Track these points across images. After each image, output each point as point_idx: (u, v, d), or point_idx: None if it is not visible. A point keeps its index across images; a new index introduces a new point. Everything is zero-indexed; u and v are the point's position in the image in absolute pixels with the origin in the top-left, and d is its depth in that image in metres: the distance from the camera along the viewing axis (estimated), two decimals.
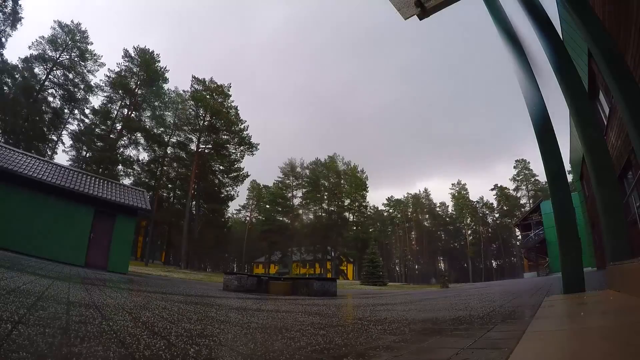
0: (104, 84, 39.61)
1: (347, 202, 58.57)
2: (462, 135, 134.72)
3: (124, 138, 40.73)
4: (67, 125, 38.14)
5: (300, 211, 57.71)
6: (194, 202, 44.01)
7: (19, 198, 11.01)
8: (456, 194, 72.09)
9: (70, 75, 37.39)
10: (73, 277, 7.52)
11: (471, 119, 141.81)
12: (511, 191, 66.37)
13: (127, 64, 41.11)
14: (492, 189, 69.36)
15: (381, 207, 75.88)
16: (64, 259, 11.29)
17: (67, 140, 38.04)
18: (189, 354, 1.57)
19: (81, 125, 38.76)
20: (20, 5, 30.13)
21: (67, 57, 36.93)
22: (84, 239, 12.24)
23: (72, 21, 37.33)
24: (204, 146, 44.10)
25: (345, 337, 2.39)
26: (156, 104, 42.25)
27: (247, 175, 47.75)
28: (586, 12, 4.43)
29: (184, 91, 44.19)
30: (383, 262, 41.21)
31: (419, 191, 77.99)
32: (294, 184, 57.98)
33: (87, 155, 37.91)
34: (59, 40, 36.30)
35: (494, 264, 72.45)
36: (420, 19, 6.69)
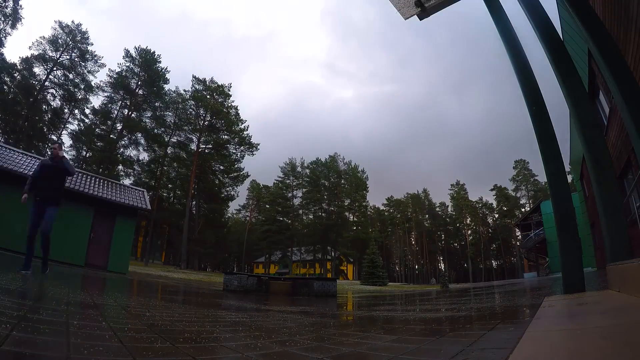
0: (104, 84, 39.68)
1: (347, 202, 58.53)
2: (462, 134, 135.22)
3: (124, 138, 40.75)
4: (67, 125, 38.17)
5: (300, 211, 57.68)
6: (194, 202, 44.00)
7: (19, 198, 10.98)
8: (455, 195, 72.07)
9: (71, 76, 37.42)
10: (73, 277, 7.53)
11: (471, 119, 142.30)
12: (511, 191, 66.33)
13: (128, 64, 41.16)
14: (491, 189, 69.39)
15: (381, 207, 75.98)
16: (63, 259, 11.28)
17: (67, 140, 38.09)
18: (190, 354, 1.57)
19: (81, 125, 38.81)
20: (20, 6, 30.15)
21: (68, 57, 36.93)
22: (84, 239, 12.23)
23: (72, 21, 37.40)
24: (204, 146, 44.12)
25: (345, 338, 2.39)
26: (157, 104, 42.27)
27: (247, 175, 47.82)
28: (586, 12, 4.42)
29: (184, 91, 44.27)
30: (383, 262, 41.20)
31: (419, 191, 78.03)
32: (294, 184, 57.96)
33: (87, 155, 37.90)
34: (59, 40, 36.31)
35: (494, 264, 72.41)
36: (421, 19, 6.69)
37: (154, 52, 42.61)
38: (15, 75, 33.30)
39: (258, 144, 45.91)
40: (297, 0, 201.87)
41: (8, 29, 29.97)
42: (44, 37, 35.48)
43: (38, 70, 35.16)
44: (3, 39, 29.96)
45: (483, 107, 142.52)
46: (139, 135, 41.24)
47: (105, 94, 39.87)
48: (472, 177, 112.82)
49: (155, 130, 42.12)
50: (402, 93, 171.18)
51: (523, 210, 57.98)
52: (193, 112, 44.01)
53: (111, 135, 39.14)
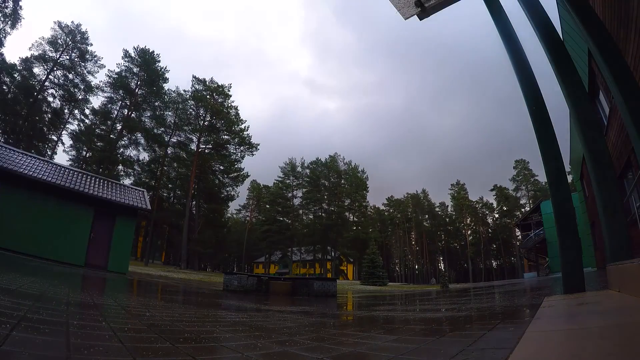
0: (104, 85, 39.64)
1: (347, 202, 58.52)
2: (462, 134, 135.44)
3: (124, 138, 40.70)
4: (67, 125, 38.11)
5: (300, 211, 57.67)
6: (194, 202, 43.97)
7: (19, 198, 11.00)
8: (455, 195, 72.06)
9: (71, 76, 37.36)
10: (73, 277, 7.52)
11: (471, 119, 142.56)
12: (511, 191, 66.28)
13: (127, 64, 41.11)
14: (491, 190, 69.33)
15: (381, 207, 75.96)
16: (64, 259, 11.28)
17: (67, 140, 38.03)
18: (190, 354, 1.57)
19: (81, 125, 38.76)
20: (20, 6, 30.12)
21: (68, 57, 36.92)
22: (84, 239, 12.22)
23: (72, 22, 37.38)
24: (204, 146, 44.07)
25: (345, 338, 2.39)
26: (156, 104, 42.24)
27: (247, 175, 47.69)
28: (586, 12, 4.42)
29: (184, 91, 44.21)
30: (383, 262, 41.17)
31: (419, 191, 78.01)
32: (294, 184, 57.93)
33: (87, 155, 37.88)
34: (59, 41, 36.29)
35: (494, 264, 72.40)
36: (421, 19, 6.70)
37: (152, 51, 42.56)
38: (15, 75, 33.29)
39: (258, 144, 45.88)
40: (279, 23, 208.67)
41: (8, 29, 29.97)
42: (43, 38, 35.45)
43: (38, 70, 35.15)
44: (3, 38, 29.94)
45: (482, 107, 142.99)
46: (139, 135, 41.22)
47: (105, 94, 39.90)
48: (472, 177, 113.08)
49: (155, 130, 42.08)
50: (398, 98, 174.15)
51: (523, 210, 57.97)
52: (193, 112, 44.00)
53: (111, 135, 39.10)
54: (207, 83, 44.79)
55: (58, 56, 36.06)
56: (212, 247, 45.41)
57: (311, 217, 57.25)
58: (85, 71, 38.24)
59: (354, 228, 58.20)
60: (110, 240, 12.92)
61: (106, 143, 37.71)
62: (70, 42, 36.89)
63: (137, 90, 41.08)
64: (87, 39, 38.11)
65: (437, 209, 76.55)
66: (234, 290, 9.76)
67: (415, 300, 8.58)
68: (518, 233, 51.56)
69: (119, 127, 39.90)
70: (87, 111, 39.30)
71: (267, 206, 56.99)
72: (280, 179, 58.00)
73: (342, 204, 57.02)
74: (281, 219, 55.05)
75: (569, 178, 20.79)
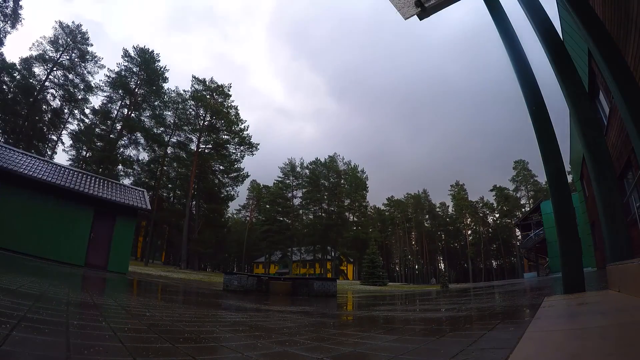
0: (103, 84, 39.61)
1: (347, 202, 58.52)
2: (462, 134, 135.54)
3: (124, 138, 40.69)
4: (67, 125, 38.10)
5: (300, 211, 57.66)
6: (194, 202, 43.95)
7: (19, 198, 11.00)
8: (455, 195, 72.05)
9: (71, 76, 37.36)
10: (73, 277, 7.52)
11: (471, 119, 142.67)
12: (511, 192, 66.25)
13: (126, 63, 41.08)
14: (491, 190, 69.31)
15: (381, 207, 75.95)
16: (64, 259, 11.28)
17: (67, 140, 38.01)
18: (190, 354, 1.57)
19: (81, 125, 38.73)
20: (20, 6, 30.13)
21: (68, 57, 36.91)
22: (84, 239, 12.21)
23: (72, 22, 37.38)
24: (204, 146, 44.04)
25: (345, 338, 2.39)
26: (156, 103, 42.23)
27: (247, 175, 47.64)
28: (586, 12, 4.42)
29: (184, 91, 44.20)
30: (383, 262, 41.16)
31: (419, 191, 78.01)
32: (294, 184, 57.92)
33: (87, 155, 37.86)
34: (59, 40, 36.28)
35: (494, 264, 72.38)
36: (421, 19, 6.70)
37: (152, 51, 42.52)
38: (15, 75, 33.29)
39: (258, 144, 45.86)
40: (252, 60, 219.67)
41: (8, 29, 29.98)
42: (44, 37, 35.46)
43: (38, 70, 35.15)
44: (3, 38, 29.97)
45: (484, 105, 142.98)
46: (139, 135, 41.21)
47: (105, 94, 39.89)
48: (471, 176, 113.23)
49: (155, 130, 42.09)
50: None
51: (523, 210, 57.94)
52: (193, 112, 43.96)
53: (111, 135, 39.10)
54: (207, 83, 44.78)
55: (58, 56, 36.05)
56: (212, 247, 45.38)
57: (311, 217, 57.23)
58: (85, 71, 38.26)
59: (354, 228, 58.21)
60: (110, 240, 12.91)
61: (106, 143, 37.69)
62: (70, 42, 36.88)
63: (136, 89, 41.08)
64: (87, 39, 38.12)
65: (437, 209, 76.55)
66: (234, 290, 9.77)
67: (415, 300, 8.58)
68: (518, 233, 51.56)
69: (118, 126, 39.90)
70: (87, 111, 39.32)
71: (267, 206, 56.96)
72: (280, 179, 58.00)
73: (342, 204, 57.03)
74: (281, 219, 55.02)
75: (569, 178, 20.79)
